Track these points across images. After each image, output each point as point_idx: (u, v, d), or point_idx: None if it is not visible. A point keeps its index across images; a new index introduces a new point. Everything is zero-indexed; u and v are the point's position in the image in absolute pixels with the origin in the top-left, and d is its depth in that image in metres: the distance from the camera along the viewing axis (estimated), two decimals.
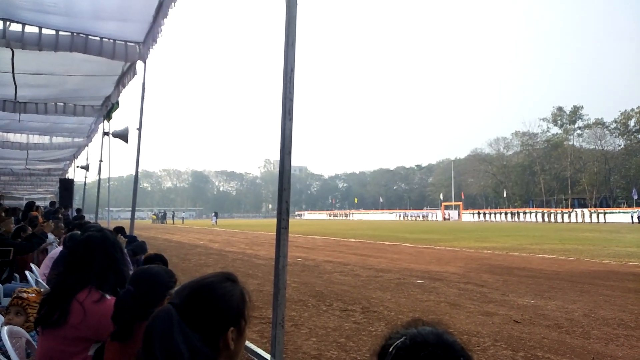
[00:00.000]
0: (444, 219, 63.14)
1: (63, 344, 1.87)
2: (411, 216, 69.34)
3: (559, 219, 49.71)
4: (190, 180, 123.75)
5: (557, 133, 72.84)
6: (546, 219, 50.81)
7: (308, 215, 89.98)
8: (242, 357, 3.92)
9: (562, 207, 58.44)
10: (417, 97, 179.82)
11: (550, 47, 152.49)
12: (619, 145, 65.54)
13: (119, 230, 5.75)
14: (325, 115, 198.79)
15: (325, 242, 19.28)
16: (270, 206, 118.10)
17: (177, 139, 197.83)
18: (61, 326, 1.86)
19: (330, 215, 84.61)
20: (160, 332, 1.04)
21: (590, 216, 47.31)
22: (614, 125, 65.82)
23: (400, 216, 70.27)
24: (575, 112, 70.29)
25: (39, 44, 4.42)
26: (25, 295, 2.76)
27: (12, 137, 10.13)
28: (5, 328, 2.23)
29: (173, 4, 4.27)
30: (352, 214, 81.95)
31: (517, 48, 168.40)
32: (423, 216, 68.33)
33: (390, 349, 0.78)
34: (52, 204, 14.56)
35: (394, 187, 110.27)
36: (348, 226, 38.84)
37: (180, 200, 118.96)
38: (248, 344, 4.18)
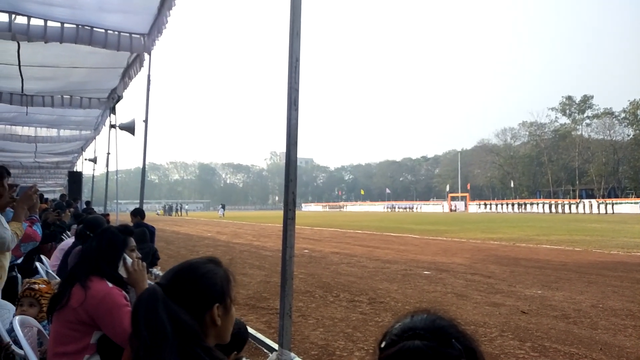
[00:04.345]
0: (451, 210, 62.97)
1: (65, 326, 1.92)
2: (398, 208, 71.62)
3: (567, 210, 49.36)
4: (197, 173, 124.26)
5: (565, 123, 71.92)
6: (553, 210, 50.48)
7: (305, 208, 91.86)
8: (250, 347, 3.95)
9: (570, 198, 57.98)
10: (424, 88, 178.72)
11: (558, 37, 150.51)
12: (628, 135, 64.62)
13: (138, 212, 6.11)
14: (331, 107, 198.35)
15: (332, 234, 19.32)
16: (277, 198, 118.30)
17: (183, 131, 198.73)
18: (64, 308, 1.91)
19: (325, 207, 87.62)
20: (145, 308, 1.08)
21: (598, 207, 46.92)
22: (623, 115, 64.93)
23: (387, 208, 72.57)
24: (585, 102, 69.24)
25: (44, 36, 4.42)
26: (36, 286, 2.80)
27: (20, 130, 10.18)
28: (17, 318, 2.27)
29: None
30: (345, 206, 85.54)
31: (525, 38, 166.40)
32: (409, 208, 70.69)
33: (385, 336, 0.81)
34: (62, 196, 14.69)
35: (400, 179, 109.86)
36: (349, 218, 38.86)
37: (188, 192, 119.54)
38: (256, 333, 4.22)
